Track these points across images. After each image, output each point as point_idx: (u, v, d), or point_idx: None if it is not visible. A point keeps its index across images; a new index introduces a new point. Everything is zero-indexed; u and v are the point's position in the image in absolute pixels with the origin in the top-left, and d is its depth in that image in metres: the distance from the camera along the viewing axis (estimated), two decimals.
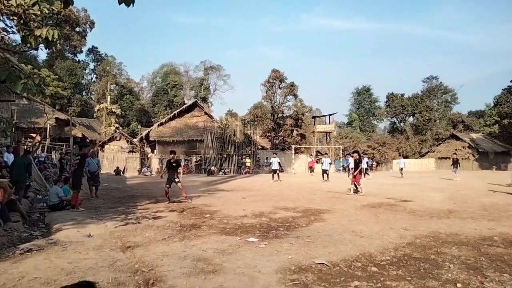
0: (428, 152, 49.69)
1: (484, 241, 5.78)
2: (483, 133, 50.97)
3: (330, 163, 23.87)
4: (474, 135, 49.10)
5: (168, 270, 4.44)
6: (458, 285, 3.79)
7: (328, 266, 4.54)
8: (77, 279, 4.04)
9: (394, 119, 60.93)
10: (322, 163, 22.69)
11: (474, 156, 44.96)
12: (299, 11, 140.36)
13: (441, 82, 62.17)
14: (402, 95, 58.08)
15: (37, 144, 20.81)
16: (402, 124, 60.11)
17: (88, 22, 56.20)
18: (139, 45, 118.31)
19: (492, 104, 53.70)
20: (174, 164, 11.61)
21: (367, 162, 25.70)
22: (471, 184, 17.65)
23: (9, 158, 12.01)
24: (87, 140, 39.57)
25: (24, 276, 4.14)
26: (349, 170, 23.34)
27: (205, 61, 70.19)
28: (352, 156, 14.58)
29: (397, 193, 13.61)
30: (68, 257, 5.02)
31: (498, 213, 8.68)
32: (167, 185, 11.40)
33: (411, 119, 58.42)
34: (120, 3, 7.19)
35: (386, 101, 60.64)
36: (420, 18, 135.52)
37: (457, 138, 47.68)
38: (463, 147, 45.67)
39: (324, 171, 21.42)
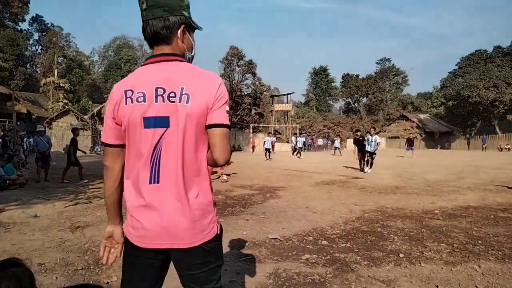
0: (380, 131, 51.98)
1: (426, 214, 6.20)
2: (430, 114, 54.08)
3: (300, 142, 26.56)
4: (422, 116, 51.98)
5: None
6: (401, 255, 4.05)
7: (281, 241, 4.67)
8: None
9: (349, 99, 62.83)
10: (264, 142, 23.50)
11: (422, 136, 47.71)
12: None
13: (393, 64, 64.62)
14: (357, 76, 59.80)
15: None
16: (356, 104, 62.16)
17: None
18: (89, 16, 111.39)
19: (439, 87, 56.86)
20: None
21: (304, 142, 28.31)
22: (418, 162, 18.76)
23: None
24: (33, 117, 37.18)
25: None
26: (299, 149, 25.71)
27: None
28: (356, 135, 14.75)
29: (349, 170, 14.18)
30: (12, 238, 4.76)
31: (440, 188, 9.32)
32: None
33: (364, 99, 60.52)
34: None
35: (342, 82, 62.22)
36: (376, 1, 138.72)
37: (407, 119, 50.23)
38: (412, 127, 48.26)
39: (267, 150, 22.68)
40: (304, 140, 26.70)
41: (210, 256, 1.51)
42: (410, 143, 24.36)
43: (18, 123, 28.05)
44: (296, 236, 4.87)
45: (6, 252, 4.18)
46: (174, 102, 1.38)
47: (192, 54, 1.58)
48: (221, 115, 1.41)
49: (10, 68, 46.41)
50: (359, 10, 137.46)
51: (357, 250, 4.27)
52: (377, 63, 65.93)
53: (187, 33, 1.52)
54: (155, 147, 1.40)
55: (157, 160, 1.41)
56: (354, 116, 58.11)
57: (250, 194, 8.63)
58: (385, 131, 50.92)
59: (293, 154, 25.13)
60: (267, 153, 22.45)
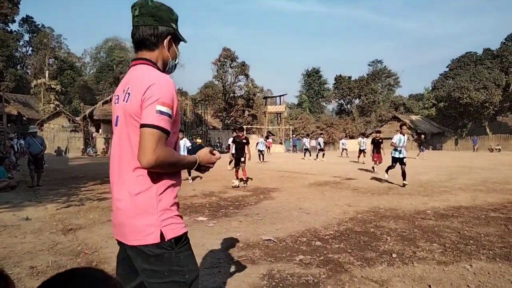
0: (372, 132, 52.29)
1: (418, 215, 6.25)
2: (421, 115, 54.52)
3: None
4: (413, 117, 52.35)
5: (113, 251, 4.31)
6: (394, 255, 4.08)
7: (275, 242, 4.67)
8: (13, 265, 3.82)
9: (342, 100, 63.06)
10: (257, 144, 22.12)
11: (413, 137, 48.07)
12: None
13: (385, 66, 64.98)
14: (350, 77, 60.03)
15: None
16: (349, 105, 62.41)
17: None
18: (80, 17, 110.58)
19: (430, 88, 57.37)
20: (244, 141, 10.93)
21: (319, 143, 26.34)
22: (410, 163, 18.88)
23: None
24: (24, 119, 36.78)
25: None
26: (307, 150, 24.96)
27: None
28: (376, 136, 13.92)
29: (343, 172, 14.24)
30: (2, 241, 4.70)
31: (432, 189, 9.40)
32: (236, 167, 10.84)
33: (357, 101, 60.78)
34: None
35: (335, 83, 62.37)
36: (368, 4, 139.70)
37: (398, 120, 50.48)
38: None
39: (260, 152, 21.51)
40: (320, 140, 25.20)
41: (157, 264, 1.45)
42: (421, 143, 23.90)
43: (9, 125, 27.75)
44: (290, 237, 4.88)
45: None
46: (123, 101, 1.53)
47: (176, 62, 1.69)
48: (147, 115, 1.40)
49: (0, 70, 45.83)
50: (351, 13, 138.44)
51: (350, 250, 4.29)
52: (369, 65, 66.30)
53: (173, 43, 1.63)
54: (115, 144, 1.61)
55: (115, 156, 1.59)
56: (347, 118, 58.30)
57: (244, 195, 8.62)
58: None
59: (316, 156, 23.42)
60: (260, 155, 21.42)
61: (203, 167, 1.69)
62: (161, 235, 1.44)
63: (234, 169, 11.00)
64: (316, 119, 58.93)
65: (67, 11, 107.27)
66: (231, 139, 15.31)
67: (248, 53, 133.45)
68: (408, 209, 6.81)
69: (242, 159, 10.85)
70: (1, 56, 47.55)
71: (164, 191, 1.49)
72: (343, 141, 29.61)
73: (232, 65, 48.13)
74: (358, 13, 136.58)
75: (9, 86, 45.27)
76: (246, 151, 10.84)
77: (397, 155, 10.32)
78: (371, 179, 11.75)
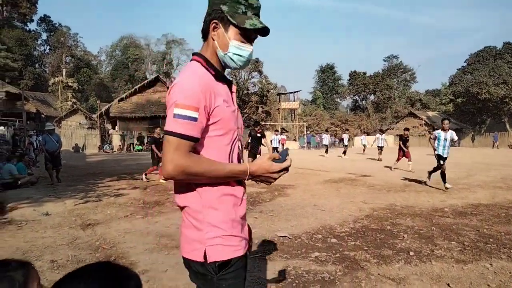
0: (388, 129, 51.69)
1: (436, 212, 6.15)
2: (438, 111, 53.56)
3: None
4: (430, 113, 51.48)
5: (130, 246, 4.38)
6: (411, 253, 4.03)
7: (290, 238, 4.67)
8: (34, 258, 3.91)
9: (356, 97, 62.51)
10: (271, 141, 18.93)
11: (430, 133, 47.29)
12: None
13: (401, 61, 64.04)
14: (364, 73, 59.44)
15: None
16: (363, 102, 61.82)
17: None
18: (96, 15, 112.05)
19: (448, 84, 56.30)
20: (259, 136, 10.93)
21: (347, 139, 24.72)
22: (427, 160, 18.60)
23: None
24: (42, 116, 37.58)
25: None
26: (325, 146, 24.26)
27: (167, 34, 67.95)
28: (404, 134, 13.77)
29: (358, 168, 14.12)
30: (24, 236, 4.83)
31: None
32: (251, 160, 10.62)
33: (372, 97, 60.15)
34: None
35: (349, 79, 61.89)
36: None
37: (415, 116, 49.80)
38: (420, 125, 47.85)
39: (275, 149, 18.27)
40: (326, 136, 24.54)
41: (202, 283, 1.35)
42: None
43: (28, 122, 28.40)
44: (305, 234, 4.87)
45: (19, 249, 4.24)
46: None
47: (226, 53, 1.39)
48: (167, 121, 1.28)
49: (19, 68, 46.94)
50: (365, 8, 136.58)
51: (366, 248, 4.26)
52: (384, 60, 65.53)
53: (221, 28, 1.37)
54: None
55: None
56: (362, 114, 57.77)
57: (258, 192, 8.63)
58: (393, 129, 50.55)
59: (344, 154, 21.95)
60: (326, 151, 21.06)
61: (260, 178, 1.42)
62: (205, 254, 1.29)
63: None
64: (330, 116, 58.60)
65: (82, 10, 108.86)
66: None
67: (262, 49, 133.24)
68: (425, 206, 6.71)
69: (257, 155, 10.74)
70: (20, 55, 48.68)
71: (214, 204, 1.32)
72: (362, 137, 27.95)
73: None
74: (372, 8, 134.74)
75: (28, 84, 46.37)
76: (263, 143, 11.03)
77: (441, 152, 8.86)
78: (366, 175, 11.61)
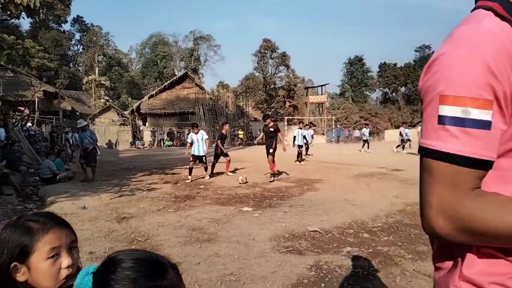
0: (420, 122, 50.11)
1: None
2: None
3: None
4: None
5: (163, 239, 4.50)
6: None
7: (321, 233, 4.64)
8: None
9: (387, 89, 60.97)
10: (294, 137, 15.56)
11: None
12: None
13: (433, 51, 61.44)
14: (395, 64, 57.86)
15: (26, 117, 20.48)
16: (394, 94, 60.24)
17: None
18: (126, 14, 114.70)
19: None
20: (272, 130, 9.98)
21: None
22: None
23: (0, 132, 11.82)
24: (77, 113, 39.04)
25: None
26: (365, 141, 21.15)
27: (194, 30, 68.40)
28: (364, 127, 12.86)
29: (389, 162, 13.80)
30: None
31: None
32: (271, 156, 9.85)
33: (403, 89, 58.48)
34: None
35: (379, 71, 60.43)
36: None
37: None
38: None
39: (300, 147, 14.98)
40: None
41: None
42: None
43: (64, 119, 29.57)
44: (336, 229, 4.82)
45: None
46: None
47: None
48: (422, 127, 0.78)
49: (55, 68, 48.91)
50: None
51: (400, 243, 4.16)
52: (416, 50, 63.36)
53: None
54: None
55: None
56: (392, 107, 56.31)
57: (287, 186, 8.62)
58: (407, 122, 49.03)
59: (368, 147, 20.57)
60: (300, 154, 14.66)
61: None
62: None
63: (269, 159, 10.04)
64: (359, 109, 57.46)
65: (113, 10, 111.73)
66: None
67: (289, 43, 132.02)
68: None
69: (271, 150, 9.85)
70: (56, 55, 50.75)
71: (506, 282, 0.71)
72: (404, 129, 22.27)
73: (272, 56, 47.97)
74: None
75: (63, 83, 48.24)
76: (279, 137, 10.12)
77: None
78: (398, 169, 11.28)
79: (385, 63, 58.48)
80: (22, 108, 23.15)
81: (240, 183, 8.95)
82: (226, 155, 11.02)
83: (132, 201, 7.04)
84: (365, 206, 6.25)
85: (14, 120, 18.46)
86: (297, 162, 14.13)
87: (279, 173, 10.54)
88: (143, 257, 0.72)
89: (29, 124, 20.31)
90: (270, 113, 46.71)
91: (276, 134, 10.12)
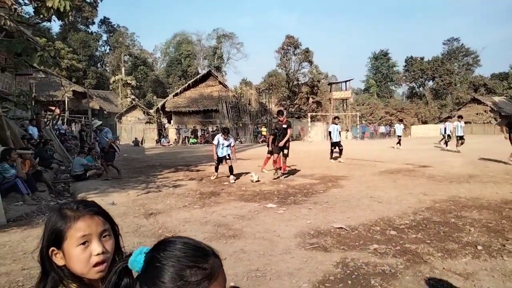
0: (449, 117, 48.59)
1: (506, 205, 5.71)
2: (506, 96, 49.33)
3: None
4: (497, 98, 47.51)
5: (190, 235, 4.56)
6: (479, 247, 3.79)
7: (346, 230, 4.59)
8: None
9: (413, 83, 59.45)
10: (330, 133, 13.69)
11: (496, 120, 43.76)
12: None
13: (462, 44, 59.65)
14: (422, 58, 56.29)
15: (57, 116, 21.23)
16: (421, 88, 58.66)
17: None
18: (150, 14, 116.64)
19: None
20: (284, 127, 9.42)
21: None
22: (493, 149, 17.28)
23: (33, 131, 12.31)
24: (105, 112, 40.12)
25: None
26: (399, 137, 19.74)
27: (217, 29, 68.85)
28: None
29: (416, 158, 13.47)
30: None
31: None
32: (277, 154, 9.46)
33: (430, 83, 56.88)
34: None
35: (405, 66, 59.01)
36: None
37: (479, 102, 46.28)
38: (485, 111, 44.44)
39: (335, 145, 13.41)
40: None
41: None
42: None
43: (93, 118, 30.46)
44: (362, 226, 4.76)
45: None
46: None
47: None
48: None
49: (83, 68, 50.44)
50: None
51: (429, 241, 4.07)
52: (443, 43, 61.40)
53: None
54: None
55: None
56: (419, 101, 54.84)
57: (311, 183, 8.57)
58: (454, 116, 47.48)
59: (400, 144, 19.37)
60: (333, 151, 13.48)
61: None
62: None
63: (272, 156, 9.62)
64: (384, 104, 56.32)
65: (138, 10, 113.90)
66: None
67: (312, 39, 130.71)
68: (493, 198, 6.25)
69: (286, 151, 9.44)
70: (84, 56, 52.34)
71: None
72: (446, 124, 20.16)
73: (295, 53, 47.62)
74: None
75: (91, 83, 49.71)
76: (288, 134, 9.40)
77: None
78: (425, 165, 10.95)
79: (411, 57, 57.02)
80: (53, 108, 24.03)
81: (252, 181, 8.89)
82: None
83: (159, 197, 7.19)
84: (392, 203, 6.14)
85: (45, 119, 19.18)
86: (332, 160, 13.23)
87: (285, 173, 9.75)
88: (191, 242, 0.80)
89: (59, 123, 21.03)
90: (293, 109, 46.54)
91: (288, 129, 9.54)
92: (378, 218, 5.15)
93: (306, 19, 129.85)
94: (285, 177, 9.45)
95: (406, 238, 4.22)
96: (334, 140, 13.27)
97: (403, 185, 7.95)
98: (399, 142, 19.66)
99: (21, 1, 8.75)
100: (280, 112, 10.13)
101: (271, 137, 10.00)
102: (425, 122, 47.76)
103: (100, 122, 10.87)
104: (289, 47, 47.38)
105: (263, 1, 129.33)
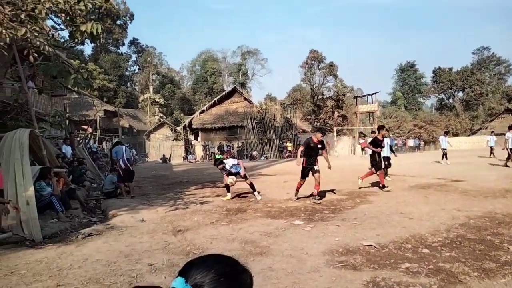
0: (481, 128, 46.86)
1: None
2: None
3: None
4: None
5: (218, 252, 4.59)
6: None
7: (376, 248, 4.49)
8: (135, 261, 4.30)
9: (442, 95, 58.00)
10: (383, 146, 10.92)
11: None
12: None
13: (493, 53, 57.86)
14: (450, 69, 54.96)
15: (89, 135, 22.04)
16: (451, 100, 57.13)
17: (128, 14, 57.85)
18: (177, 34, 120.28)
19: None
20: (319, 146, 8.18)
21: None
22: None
23: (67, 149, 12.80)
24: (134, 130, 41.28)
25: (87, 258, 4.47)
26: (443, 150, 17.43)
27: (242, 46, 70.07)
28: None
29: (448, 172, 13.03)
30: (125, 240, 5.34)
31: None
32: (302, 179, 8.41)
33: (460, 94, 55.28)
34: None
35: (433, 77, 57.74)
36: None
37: None
38: None
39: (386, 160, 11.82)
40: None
41: None
42: None
43: (122, 136, 31.40)
44: (393, 244, 4.64)
45: (122, 252, 4.70)
46: None
47: None
48: None
49: (114, 88, 52.42)
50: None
51: (464, 260, 3.91)
52: (473, 53, 59.74)
53: None
54: None
55: None
56: (449, 113, 53.32)
57: (339, 199, 8.44)
58: (486, 128, 45.73)
59: (446, 158, 17.35)
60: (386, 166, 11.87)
61: None
62: None
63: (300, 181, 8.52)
64: (412, 117, 55.09)
65: (165, 30, 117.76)
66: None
67: (336, 52, 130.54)
68: None
69: (316, 167, 8.21)
70: (115, 76, 54.42)
71: None
72: (490, 137, 19.74)
73: (319, 67, 47.68)
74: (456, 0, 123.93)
75: (121, 102, 51.50)
76: (324, 155, 8.48)
77: None
78: (457, 180, 10.51)
79: (439, 68, 55.76)
80: (86, 127, 24.95)
81: (232, 183, 8.72)
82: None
83: (187, 214, 7.28)
84: (423, 219, 5.95)
85: (78, 138, 19.95)
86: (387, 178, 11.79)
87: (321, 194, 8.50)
88: (226, 260, 0.91)
89: (91, 141, 21.78)
90: (318, 124, 46.22)
91: (322, 149, 8.39)
92: (409, 235, 5.01)
93: (330, 33, 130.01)
94: (317, 201, 8.04)
95: (440, 256, 4.07)
96: (385, 154, 11.59)
97: (435, 200, 7.71)
98: (445, 156, 17.49)
99: (57, 27, 9.27)
100: (321, 130, 8.73)
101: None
102: (456, 135, 46.22)
103: (116, 140, 10.51)
104: (313, 62, 47.51)
105: (286, 16, 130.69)
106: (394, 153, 13.32)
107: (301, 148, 8.50)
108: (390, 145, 12.35)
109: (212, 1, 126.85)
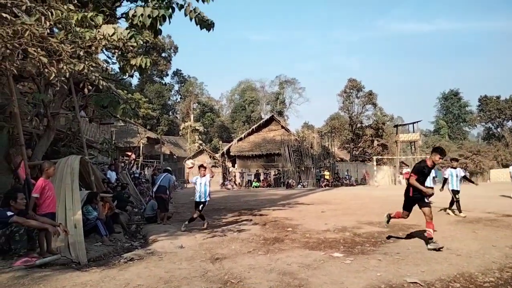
0: None
1: None
2: None
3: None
4: None
5: (255, 282, 4.56)
6: None
7: (422, 285, 4.27)
8: None
9: (490, 124, 55.25)
10: (448, 177, 11.13)
11: None
12: (375, 17, 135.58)
13: None
14: (498, 97, 52.55)
15: (133, 161, 22.95)
16: (499, 129, 54.21)
17: (172, 47, 61.03)
18: (218, 65, 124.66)
19: None
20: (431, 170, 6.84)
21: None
22: None
23: (112, 175, 13.40)
24: (175, 157, 42.48)
25: (129, 283, 4.58)
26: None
27: (280, 75, 71.41)
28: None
29: (498, 206, 12.23)
30: (165, 266, 5.44)
31: None
32: (406, 211, 6.88)
33: (510, 123, 52.43)
34: (201, 29, 7.73)
35: (479, 105, 55.41)
36: (509, 12, 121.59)
37: None
38: None
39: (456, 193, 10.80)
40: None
41: None
42: None
43: (164, 162, 32.37)
44: (440, 282, 4.39)
45: (162, 278, 4.79)
46: None
47: None
48: None
49: (157, 116, 54.74)
50: (491, 25, 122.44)
51: None
52: None
53: None
54: None
55: None
56: (498, 143, 50.51)
57: (380, 231, 8.15)
58: None
59: None
60: (457, 201, 10.67)
61: None
62: None
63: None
64: (458, 146, 52.74)
65: (207, 61, 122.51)
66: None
67: (375, 81, 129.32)
68: None
69: (426, 199, 6.65)
70: (158, 105, 56.95)
71: None
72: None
73: (358, 95, 47.32)
74: (499, 24, 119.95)
75: (163, 130, 53.53)
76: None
77: None
78: (509, 215, 9.77)
79: (486, 96, 53.47)
80: (129, 153, 26.03)
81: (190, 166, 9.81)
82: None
83: (224, 242, 7.32)
84: (472, 256, 5.60)
85: (122, 164, 20.82)
86: (449, 212, 10.99)
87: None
88: None
89: (134, 167, 22.64)
90: (357, 152, 45.33)
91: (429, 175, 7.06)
92: (457, 273, 4.73)
93: (368, 61, 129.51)
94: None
95: None
96: (454, 188, 10.86)
97: (485, 236, 7.25)
98: None
99: (110, 60, 9.97)
100: (441, 151, 6.66)
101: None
102: (505, 166, 43.51)
103: (166, 167, 11.11)
104: (351, 90, 47.27)
105: (324, 46, 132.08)
106: (473, 182, 12.77)
107: (415, 177, 6.53)
108: (460, 177, 11.12)
109: (252, 33, 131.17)
